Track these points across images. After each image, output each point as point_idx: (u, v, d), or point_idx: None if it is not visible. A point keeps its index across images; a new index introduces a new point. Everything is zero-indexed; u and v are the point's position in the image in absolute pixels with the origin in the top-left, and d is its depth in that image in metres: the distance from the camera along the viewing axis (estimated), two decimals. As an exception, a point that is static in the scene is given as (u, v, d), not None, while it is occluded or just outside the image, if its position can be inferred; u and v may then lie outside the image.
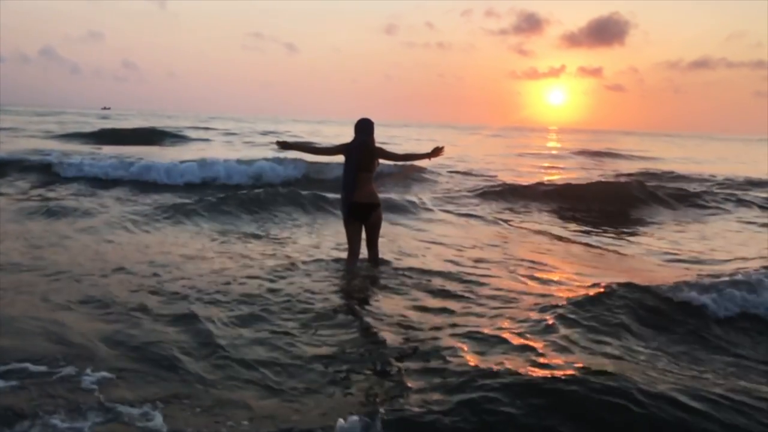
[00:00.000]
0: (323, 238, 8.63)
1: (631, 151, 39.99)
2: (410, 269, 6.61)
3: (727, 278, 5.83)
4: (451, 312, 5.18)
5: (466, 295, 5.70)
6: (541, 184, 15.69)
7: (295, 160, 16.69)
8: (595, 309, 5.09)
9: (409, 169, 17.66)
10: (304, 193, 11.59)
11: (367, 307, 5.31)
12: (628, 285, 5.64)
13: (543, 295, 5.71)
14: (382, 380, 3.85)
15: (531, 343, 4.32)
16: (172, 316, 4.85)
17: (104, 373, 3.73)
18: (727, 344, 4.82)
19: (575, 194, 14.15)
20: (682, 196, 14.52)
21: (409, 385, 3.67)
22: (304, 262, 6.84)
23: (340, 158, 6.59)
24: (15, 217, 9.27)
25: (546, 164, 28.14)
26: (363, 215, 6.42)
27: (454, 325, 4.82)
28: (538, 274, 6.68)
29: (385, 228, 7.07)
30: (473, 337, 4.49)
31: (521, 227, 10.73)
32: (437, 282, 6.14)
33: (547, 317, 4.89)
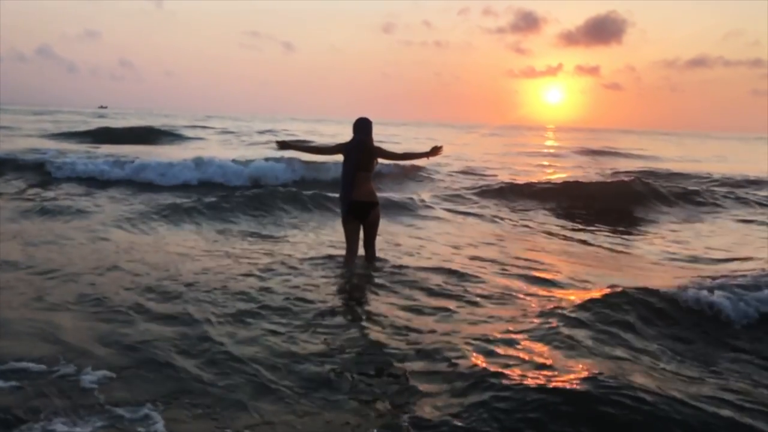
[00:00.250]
0: (321, 237, 8.58)
1: (630, 149, 39.95)
2: (409, 267, 6.59)
3: (737, 278, 5.71)
4: (452, 312, 5.12)
5: (468, 295, 5.63)
6: (541, 182, 15.65)
7: (291, 159, 16.58)
8: (601, 310, 4.98)
9: (407, 168, 17.62)
10: (302, 192, 11.53)
11: (366, 307, 5.28)
12: (636, 286, 5.54)
13: (547, 297, 5.63)
14: (387, 385, 3.76)
15: (537, 346, 4.26)
16: (170, 316, 4.82)
17: (103, 373, 3.70)
18: (744, 346, 4.66)
19: (577, 193, 14.07)
20: (684, 194, 14.46)
21: (421, 389, 3.63)
22: (302, 261, 6.81)
23: (338, 158, 6.59)
24: (10, 217, 9.20)
25: (546, 163, 28.06)
26: (362, 214, 6.45)
27: (457, 327, 4.76)
28: (541, 274, 6.60)
29: (383, 226, 7.01)
30: (478, 338, 4.42)
31: (523, 226, 10.68)
32: (437, 281, 6.09)
33: (553, 318, 4.82)
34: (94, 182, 14.09)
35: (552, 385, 3.55)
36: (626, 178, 16.15)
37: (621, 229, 10.84)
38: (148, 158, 16.28)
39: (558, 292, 5.80)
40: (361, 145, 6.45)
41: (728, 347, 4.64)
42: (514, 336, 4.47)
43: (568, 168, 24.54)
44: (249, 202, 10.67)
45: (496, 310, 5.20)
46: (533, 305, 5.32)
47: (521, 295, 5.67)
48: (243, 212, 10.13)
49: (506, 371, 3.76)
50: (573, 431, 3.15)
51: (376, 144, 6.60)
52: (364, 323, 4.85)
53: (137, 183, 14.27)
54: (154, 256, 6.84)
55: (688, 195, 14.48)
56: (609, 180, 16.92)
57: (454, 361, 4.02)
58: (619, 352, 4.28)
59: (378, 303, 5.39)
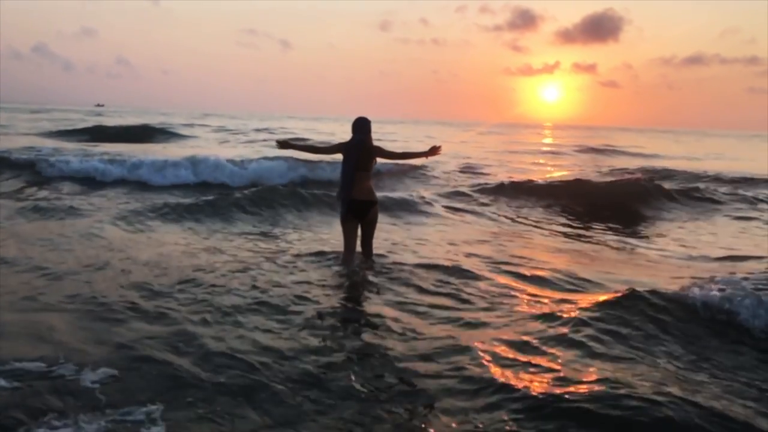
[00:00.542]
0: (319, 235, 8.51)
1: (629, 147, 39.84)
2: (407, 264, 6.58)
3: (748, 279, 5.53)
4: (453, 313, 5.03)
5: (469, 295, 5.52)
6: (543, 180, 15.54)
7: (288, 159, 16.45)
8: (612, 313, 4.85)
9: (406, 167, 17.52)
10: (300, 191, 11.47)
11: (365, 306, 5.23)
12: (647, 288, 5.39)
13: (554, 298, 5.50)
14: (389, 387, 3.65)
15: (546, 349, 4.16)
16: (167, 314, 4.78)
17: (104, 373, 3.67)
18: (760, 348, 4.51)
19: (580, 191, 13.92)
20: (688, 192, 14.38)
21: (425, 392, 3.54)
22: (300, 259, 6.79)
23: (336, 158, 6.59)
24: (4, 216, 9.09)
25: (546, 161, 27.97)
26: (361, 212, 6.48)
27: (458, 328, 4.67)
28: (547, 274, 6.48)
29: (382, 223, 6.92)
30: (482, 340, 4.31)
31: (525, 224, 10.60)
32: (438, 280, 6.04)
33: (562, 321, 4.71)
34: (90, 181, 13.97)
35: (564, 390, 3.45)
36: (631, 177, 16.06)
37: (627, 227, 10.74)
38: (144, 157, 16.16)
39: (565, 294, 5.68)
40: (360, 145, 6.48)
41: (743, 350, 4.49)
42: (522, 338, 4.38)
43: (569, 166, 24.48)
44: (246, 201, 10.58)
45: (500, 311, 5.07)
46: (540, 306, 5.20)
47: (527, 296, 5.55)
48: (240, 211, 10.04)
49: (514, 373, 3.69)
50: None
51: (375, 143, 6.63)
52: (363, 322, 4.82)
53: (133, 182, 14.16)
54: (150, 255, 6.78)
55: (693, 193, 14.40)
56: (613, 178, 16.84)
57: (457, 364, 3.94)
58: (631, 355, 4.16)
59: (376, 301, 5.35)
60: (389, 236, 8.45)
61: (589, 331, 4.51)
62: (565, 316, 4.80)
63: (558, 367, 3.84)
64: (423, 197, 12.43)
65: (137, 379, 3.65)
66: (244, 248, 7.42)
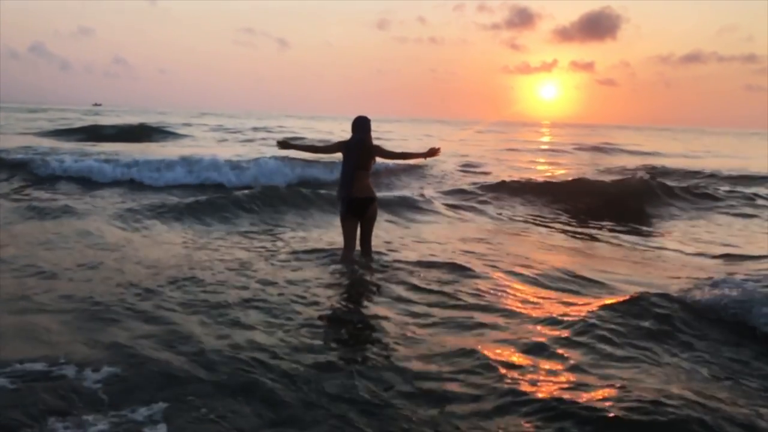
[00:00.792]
0: (318, 234, 8.46)
1: (628, 145, 39.74)
2: (406, 262, 6.57)
3: (759, 280, 5.44)
4: (456, 315, 4.91)
5: (471, 296, 5.43)
6: (544, 179, 15.47)
7: (286, 159, 16.35)
8: (623, 316, 4.75)
9: (406, 166, 17.42)
10: (299, 191, 11.44)
11: (365, 303, 5.20)
12: (657, 291, 5.30)
13: (561, 300, 5.39)
14: (394, 395, 3.54)
15: (558, 352, 4.07)
16: (166, 314, 4.76)
17: (105, 373, 3.65)
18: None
19: (584, 189, 13.83)
20: (690, 191, 14.31)
21: (430, 395, 3.47)
22: (299, 258, 6.79)
23: (334, 157, 6.55)
24: (0, 216, 8.97)
25: (546, 159, 27.83)
26: (360, 209, 6.53)
27: (460, 329, 4.57)
28: (551, 274, 6.39)
29: (381, 222, 6.88)
30: (486, 344, 4.22)
31: (529, 223, 10.51)
32: (439, 278, 5.99)
33: (570, 324, 4.60)
34: (87, 181, 13.85)
35: (574, 394, 3.37)
36: (633, 175, 15.93)
37: (629, 225, 10.64)
38: (141, 156, 16.06)
39: (569, 295, 5.59)
40: (360, 144, 6.52)
41: (753, 352, 4.38)
42: (529, 339, 4.30)
43: (570, 164, 24.37)
44: (244, 200, 10.51)
45: (502, 312, 4.98)
46: (544, 307, 5.12)
47: (530, 297, 5.47)
48: (238, 211, 9.97)
49: (521, 375, 3.63)
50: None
51: (374, 143, 6.68)
52: (362, 321, 4.80)
53: (130, 181, 14.05)
54: (147, 255, 6.73)
55: (694, 190, 14.34)
56: (615, 176, 16.75)
57: (459, 365, 3.87)
58: (640, 358, 4.08)
59: (376, 300, 5.34)
60: (389, 234, 8.44)
61: (596, 332, 4.43)
62: (570, 318, 4.72)
63: (566, 370, 3.77)
64: (423, 195, 12.39)
65: (138, 379, 3.61)
66: (242, 247, 7.37)
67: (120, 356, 3.89)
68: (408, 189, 14.20)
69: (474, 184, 15.08)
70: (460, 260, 6.81)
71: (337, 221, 6.86)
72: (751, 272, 6.15)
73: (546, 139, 52.75)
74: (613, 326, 4.55)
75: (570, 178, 15.34)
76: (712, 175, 19.71)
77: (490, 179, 16.05)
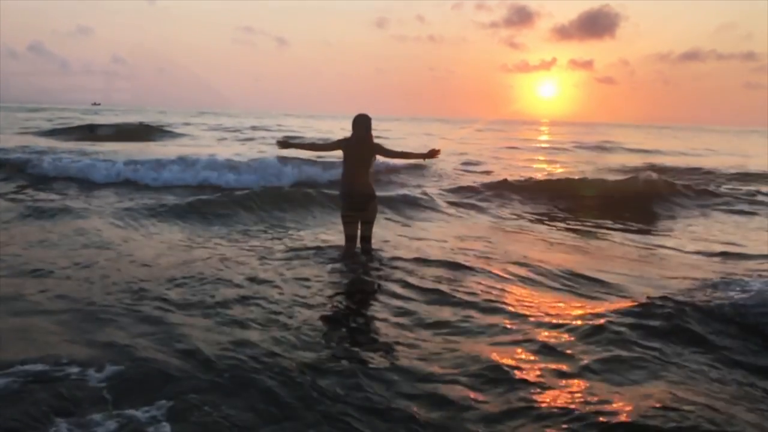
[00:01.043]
0: (317, 232, 8.40)
1: (628, 143, 39.69)
2: (405, 259, 6.54)
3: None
4: (457, 316, 4.82)
5: (470, 296, 5.34)
6: (546, 177, 15.40)
7: (285, 158, 16.25)
8: (635, 320, 4.61)
9: (407, 164, 17.34)
10: (298, 190, 11.42)
11: (367, 305, 5.13)
12: (669, 294, 5.19)
13: (570, 303, 5.25)
14: (407, 401, 3.44)
15: (572, 356, 3.98)
16: (166, 314, 4.72)
17: (110, 372, 3.64)
18: None
19: (585, 188, 13.72)
20: (695, 189, 14.23)
21: (452, 410, 3.33)
22: (299, 255, 6.76)
23: (334, 155, 6.53)
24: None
25: (547, 157, 27.71)
26: (360, 207, 6.58)
27: (463, 332, 4.48)
28: (557, 275, 6.28)
29: (382, 220, 6.84)
30: (489, 347, 4.13)
31: (532, 222, 10.43)
32: (440, 278, 5.91)
33: (581, 327, 4.48)
34: (85, 180, 13.74)
35: (586, 401, 3.29)
36: (641, 175, 15.83)
37: (634, 224, 10.53)
38: (140, 156, 15.97)
39: (576, 297, 5.48)
40: (360, 142, 6.53)
41: None
42: (539, 341, 4.22)
43: (571, 163, 24.25)
44: (243, 199, 10.44)
45: (507, 313, 4.89)
46: (552, 310, 5.00)
47: (536, 298, 5.37)
48: (237, 210, 9.89)
49: (530, 379, 3.55)
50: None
51: (375, 141, 6.68)
52: (362, 320, 4.76)
53: (128, 181, 13.94)
54: (146, 254, 6.67)
55: (699, 190, 14.26)
56: (619, 175, 16.67)
57: (460, 370, 3.76)
58: (653, 363, 3.97)
59: (375, 299, 5.30)
60: (389, 232, 8.41)
61: (604, 335, 4.34)
62: (578, 320, 4.63)
63: (574, 374, 3.69)
64: (424, 193, 12.35)
65: (141, 378, 3.60)
66: (241, 246, 7.31)
67: (121, 356, 3.86)
68: (409, 187, 14.14)
69: (475, 182, 14.99)
70: (462, 259, 6.75)
71: (336, 220, 6.89)
72: (758, 271, 6.08)
73: (545, 137, 52.69)
74: (621, 329, 4.45)
75: (571, 177, 15.26)
76: (714, 174, 19.65)
77: (491, 178, 15.98)
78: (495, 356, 3.97)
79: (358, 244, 6.74)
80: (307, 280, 5.75)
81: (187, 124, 43.56)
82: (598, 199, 12.69)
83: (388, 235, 8.25)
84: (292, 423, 3.16)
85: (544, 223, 10.36)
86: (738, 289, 5.14)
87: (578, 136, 49.89)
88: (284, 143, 6.64)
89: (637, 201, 12.60)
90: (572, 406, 3.26)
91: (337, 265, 6.37)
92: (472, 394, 3.46)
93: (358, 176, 6.53)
